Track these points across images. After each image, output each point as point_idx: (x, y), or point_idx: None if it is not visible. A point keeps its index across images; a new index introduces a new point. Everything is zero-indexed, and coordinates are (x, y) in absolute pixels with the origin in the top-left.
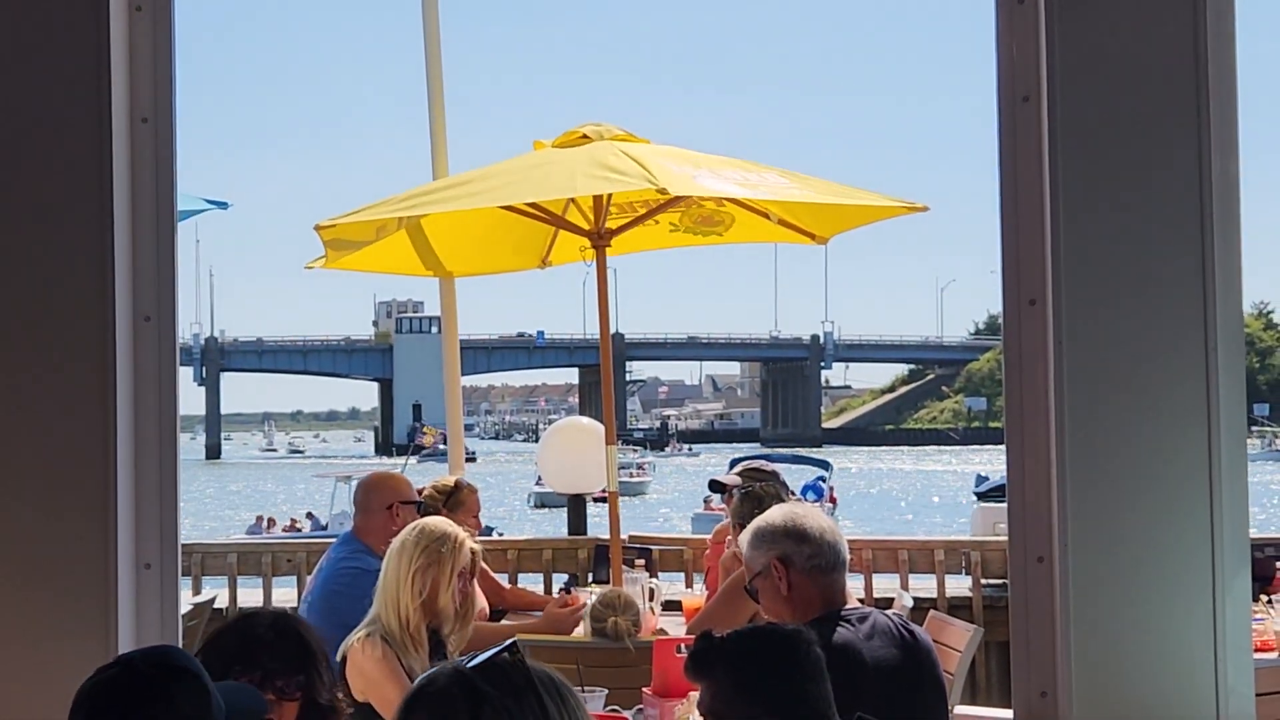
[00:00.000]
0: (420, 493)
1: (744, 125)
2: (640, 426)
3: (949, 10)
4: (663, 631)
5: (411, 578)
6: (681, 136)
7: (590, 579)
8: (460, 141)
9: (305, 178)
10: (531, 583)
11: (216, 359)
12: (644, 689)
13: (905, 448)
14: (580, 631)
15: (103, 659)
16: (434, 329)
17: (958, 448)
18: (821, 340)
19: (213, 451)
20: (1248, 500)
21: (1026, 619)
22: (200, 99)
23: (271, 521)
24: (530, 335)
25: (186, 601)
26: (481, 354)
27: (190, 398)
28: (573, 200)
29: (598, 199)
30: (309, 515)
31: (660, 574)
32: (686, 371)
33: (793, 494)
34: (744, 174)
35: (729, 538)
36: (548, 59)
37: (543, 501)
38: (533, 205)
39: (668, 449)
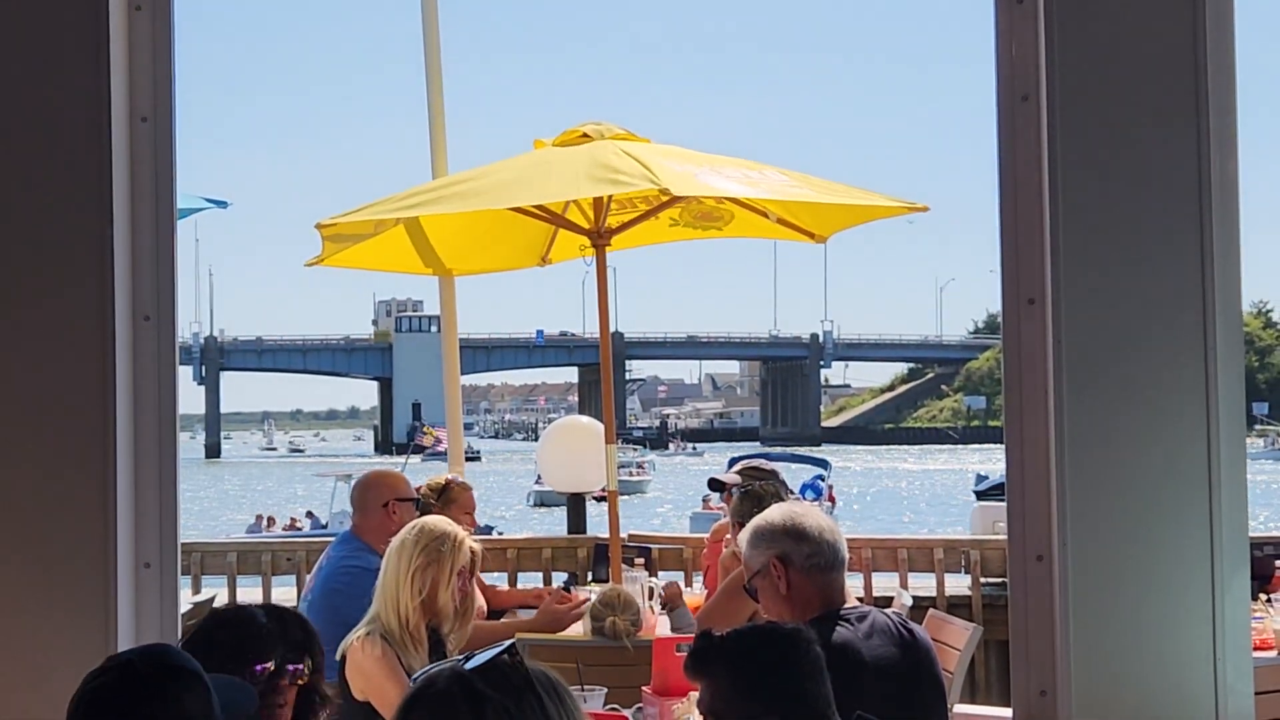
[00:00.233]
0: (418, 491)
1: (744, 125)
2: (640, 425)
3: (949, 10)
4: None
5: (411, 577)
6: (681, 136)
7: (590, 578)
8: (460, 141)
9: (305, 177)
10: (531, 582)
11: (216, 358)
12: (644, 688)
13: (905, 446)
14: (580, 630)
15: (102, 658)
16: (433, 328)
17: (957, 446)
18: (821, 339)
19: (212, 451)
20: (1247, 499)
21: (1026, 618)
22: (200, 97)
23: (271, 520)
24: (529, 334)
25: (186, 600)
26: (481, 353)
27: (190, 397)
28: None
29: (598, 198)
30: (309, 514)
31: (660, 573)
32: (686, 370)
33: (791, 493)
34: (745, 172)
35: (728, 536)
36: (548, 59)
37: (542, 500)
38: (533, 204)
39: (671, 448)
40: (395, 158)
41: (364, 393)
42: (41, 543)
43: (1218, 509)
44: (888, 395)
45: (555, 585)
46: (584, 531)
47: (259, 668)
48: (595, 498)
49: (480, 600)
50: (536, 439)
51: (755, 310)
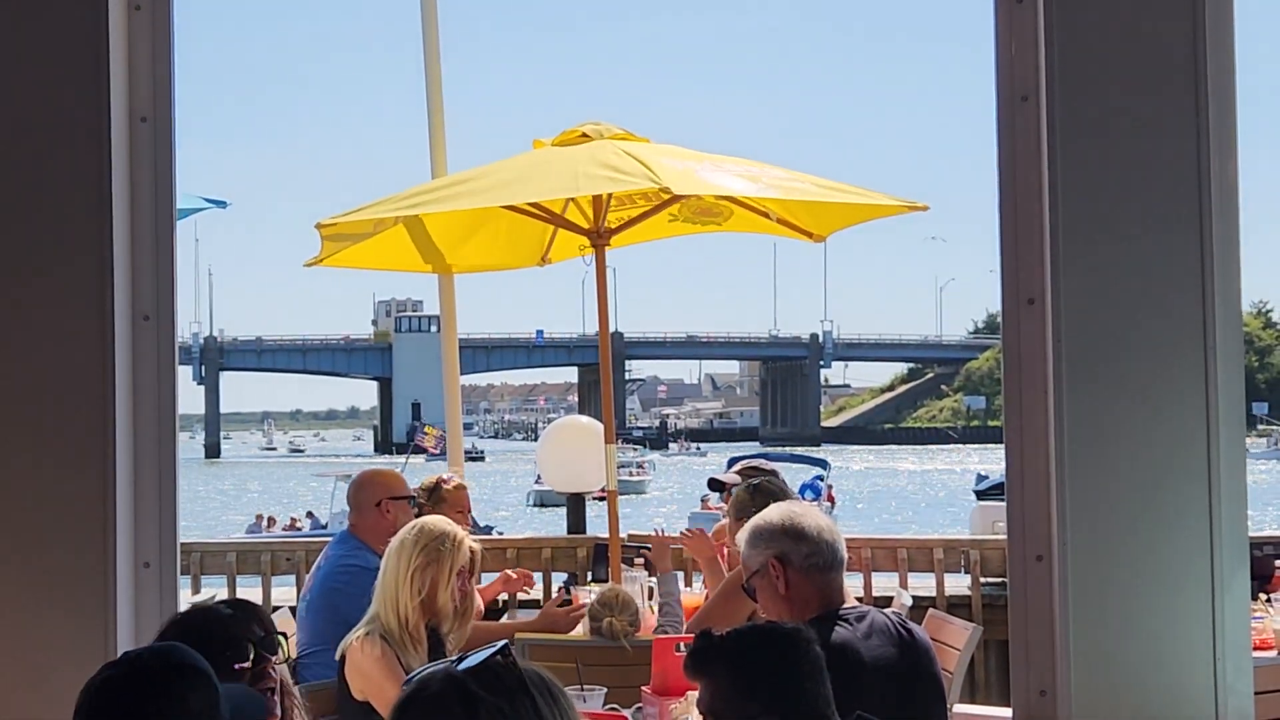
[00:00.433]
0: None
1: (744, 125)
2: (639, 425)
3: (948, 10)
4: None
5: (410, 576)
6: (681, 136)
7: (589, 578)
8: (460, 140)
9: (304, 177)
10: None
11: (216, 358)
12: (643, 687)
13: (904, 446)
14: (580, 630)
15: (102, 658)
16: (433, 328)
17: (957, 446)
18: (820, 339)
19: (212, 451)
20: (1246, 498)
21: (1025, 617)
22: (200, 97)
23: (272, 520)
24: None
25: (186, 601)
26: (480, 353)
27: (189, 397)
28: (572, 199)
29: (597, 198)
30: (309, 514)
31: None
32: (685, 370)
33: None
34: (746, 168)
35: (727, 537)
36: (547, 59)
37: (542, 500)
38: (533, 204)
39: (673, 448)
40: (395, 158)
41: (364, 393)
42: (41, 542)
43: (1217, 509)
44: (887, 395)
45: (555, 585)
46: (584, 531)
47: (236, 666)
48: (595, 497)
49: (479, 600)
50: (536, 439)
51: (755, 310)
